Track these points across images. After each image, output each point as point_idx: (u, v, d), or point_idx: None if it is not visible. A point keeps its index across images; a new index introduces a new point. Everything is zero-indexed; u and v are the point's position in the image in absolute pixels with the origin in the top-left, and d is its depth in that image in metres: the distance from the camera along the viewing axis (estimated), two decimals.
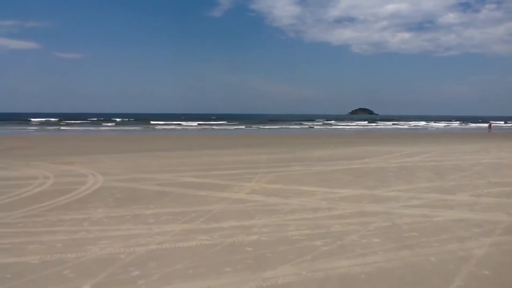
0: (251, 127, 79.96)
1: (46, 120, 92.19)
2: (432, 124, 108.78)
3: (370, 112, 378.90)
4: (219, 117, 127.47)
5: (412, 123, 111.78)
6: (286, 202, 10.85)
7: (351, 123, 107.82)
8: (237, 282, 5.71)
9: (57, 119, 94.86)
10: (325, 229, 8.29)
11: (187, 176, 14.93)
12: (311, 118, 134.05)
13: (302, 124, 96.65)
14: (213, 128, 73.72)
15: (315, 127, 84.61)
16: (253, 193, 12.07)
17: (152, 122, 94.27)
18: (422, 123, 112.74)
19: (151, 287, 5.52)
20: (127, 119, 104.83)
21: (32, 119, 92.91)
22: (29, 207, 10.07)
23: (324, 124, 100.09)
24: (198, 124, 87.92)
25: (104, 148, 28.49)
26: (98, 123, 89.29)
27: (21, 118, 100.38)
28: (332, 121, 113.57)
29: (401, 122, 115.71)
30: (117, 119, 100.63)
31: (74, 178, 14.52)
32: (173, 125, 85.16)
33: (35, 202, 10.64)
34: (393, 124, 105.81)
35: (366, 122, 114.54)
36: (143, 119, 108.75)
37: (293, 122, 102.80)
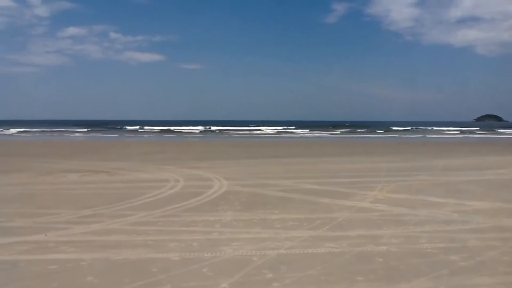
0: (369, 134, 78.17)
1: (167, 128, 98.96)
2: None
3: (499, 119, 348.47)
4: (334, 124, 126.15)
5: None
6: (413, 213, 10.42)
7: (476, 130, 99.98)
8: None
9: (185, 127, 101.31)
10: (460, 243, 7.82)
11: (309, 183, 15.03)
12: (432, 125, 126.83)
13: (422, 130, 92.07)
14: (330, 135, 73.30)
15: (437, 134, 79.84)
16: (377, 202, 11.78)
17: (267, 129, 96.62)
18: None
19: None
20: (243, 126, 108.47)
21: (155, 128, 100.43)
22: (165, 207, 10.90)
23: (447, 131, 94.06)
24: (313, 131, 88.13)
25: (226, 154, 29.78)
26: (218, 131, 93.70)
27: (149, 125, 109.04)
28: (456, 128, 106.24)
29: None
30: (231, 127, 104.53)
31: (201, 182, 15.38)
32: (289, 132, 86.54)
33: (170, 203, 11.48)
34: None
35: (495, 129, 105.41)
36: (258, 125, 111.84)
37: (413, 129, 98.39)
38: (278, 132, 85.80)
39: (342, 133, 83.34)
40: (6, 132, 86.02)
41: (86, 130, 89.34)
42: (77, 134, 75.53)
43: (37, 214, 10.15)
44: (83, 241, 7.98)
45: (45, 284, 5.87)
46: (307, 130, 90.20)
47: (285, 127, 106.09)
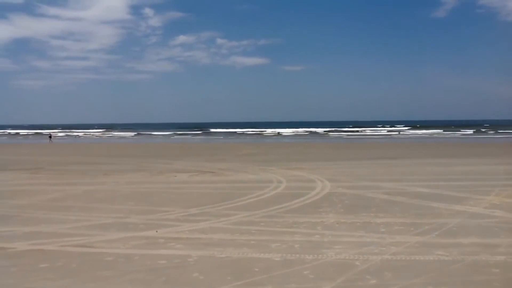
0: (478, 134, 72.76)
1: (270, 130, 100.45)
2: None
3: None
4: (441, 124, 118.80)
5: None
6: None
7: None
8: None
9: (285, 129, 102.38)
10: None
11: (416, 186, 14.31)
12: None
13: None
14: (438, 136, 69.40)
15: None
16: (493, 207, 10.86)
17: (373, 129, 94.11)
18: None
19: None
20: (346, 126, 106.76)
21: (258, 129, 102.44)
22: (268, 208, 11.04)
23: None
24: (426, 131, 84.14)
25: (328, 155, 29.49)
26: (323, 132, 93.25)
27: (252, 127, 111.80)
28: None
29: None
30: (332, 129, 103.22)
31: (303, 183, 15.35)
32: (395, 131, 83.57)
33: (273, 204, 11.61)
34: None
35: None
36: (362, 126, 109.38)
37: None
38: (379, 132, 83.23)
39: (474, 133, 78.26)
40: (124, 134, 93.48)
41: (199, 132, 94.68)
42: (187, 136, 79.87)
43: (150, 212, 10.85)
44: (190, 238, 8.35)
45: (155, 277, 6.23)
46: (436, 130, 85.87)
47: (401, 126, 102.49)
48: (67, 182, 16.71)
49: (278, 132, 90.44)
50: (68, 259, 7.11)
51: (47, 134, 78.38)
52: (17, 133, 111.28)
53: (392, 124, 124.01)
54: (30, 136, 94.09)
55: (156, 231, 8.89)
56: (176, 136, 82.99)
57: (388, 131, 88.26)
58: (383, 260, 6.85)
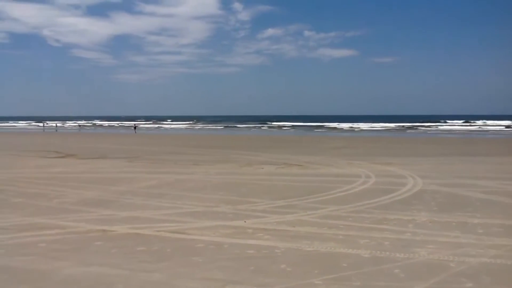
0: None
1: (356, 124, 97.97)
2: None
3: None
4: None
5: None
6: None
7: None
8: None
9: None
10: None
11: None
12: None
13: None
14: None
15: None
16: None
17: (466, 123, 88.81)
18: None
19: None
20: (436, 122, 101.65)
21: (344, 124, 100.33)
22: (356, 203, 10.84)
23: None
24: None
25: (419, 150, 28.27)
26: (414, 127, 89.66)
27: (340, 120, 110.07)
28: None
29: None
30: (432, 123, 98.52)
31: (393, 179, 14.86)
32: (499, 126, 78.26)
33: (361, 199, 11.38)
34: None
35: None
36: (469, 119, 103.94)
37: None
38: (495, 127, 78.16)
39: None
40: (211, 126, 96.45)
41: (287, 125, 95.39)
42: (274, 129, 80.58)
43: (238, 202, 11.12)
44: (278, 230, 8.44)
45: (244, 266, 6.38)
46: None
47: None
48: (161, 171, 17.60)
49: (368, 127, 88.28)
50: (163, 244, 7.51)
51: (132, 126, 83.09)
52: (101, 125, 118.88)
53: (495, 118, 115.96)
54: (118, 127, 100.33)
55: (245, 221, 9.10)
56: (262, 128, 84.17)
57: (495, 126, 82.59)
58: (480, 263, 6.46)
